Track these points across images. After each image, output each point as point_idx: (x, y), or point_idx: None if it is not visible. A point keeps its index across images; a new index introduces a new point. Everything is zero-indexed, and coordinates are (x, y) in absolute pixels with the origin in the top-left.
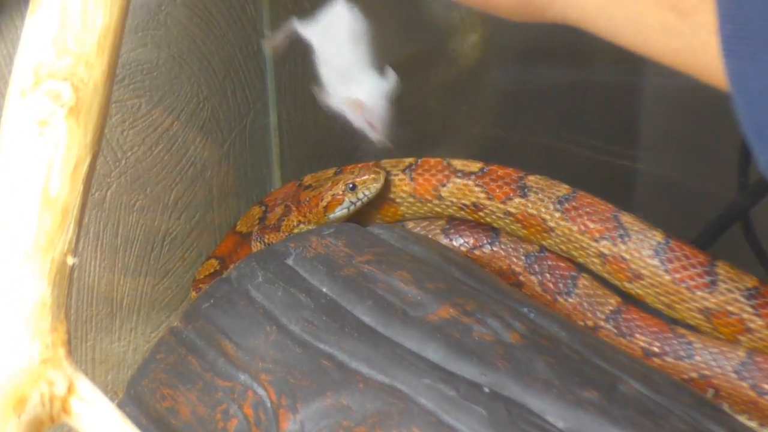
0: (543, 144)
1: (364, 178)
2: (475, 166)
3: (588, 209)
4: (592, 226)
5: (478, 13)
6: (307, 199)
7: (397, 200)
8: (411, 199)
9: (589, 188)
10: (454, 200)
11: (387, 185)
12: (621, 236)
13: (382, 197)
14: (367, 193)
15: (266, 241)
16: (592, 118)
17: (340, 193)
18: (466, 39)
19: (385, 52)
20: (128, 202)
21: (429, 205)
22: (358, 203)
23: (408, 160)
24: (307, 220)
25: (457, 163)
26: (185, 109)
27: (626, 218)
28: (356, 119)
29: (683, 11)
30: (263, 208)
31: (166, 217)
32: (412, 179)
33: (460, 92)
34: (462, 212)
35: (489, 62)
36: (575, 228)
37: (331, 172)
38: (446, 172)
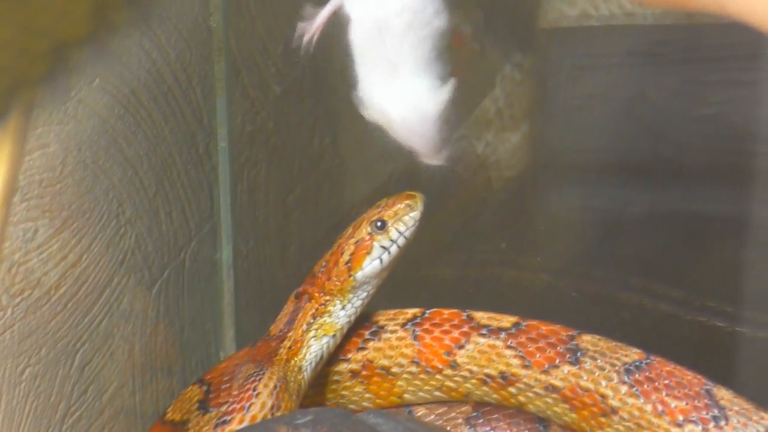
0: (605, 294)
1: (396, 208)
2: (506, 320)
3: (668, 381)
4: (673, 404)
5: (525, 102)
6: (323, 265)
7: (394, 370)
8: (413, 368)
9: (670, 354)
10: (475, 368)
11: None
12: (715, 419)
13: (374, 366)
14: (401, 229)
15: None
16: (677, 261)
17: (366, 236)
18: (504, 139)
19: None
20: (14, 370)
21: (438, 377)
22: (393, 248)
23: (412, 311)
24: (330, 296)
25: (482, 317)
26: (100, 237)
27: (722, 394)
28: (400, 134)
29: None
30: (204, 387)
31: (66, 391)
32: (416, 338)
33: (490, 219)
34: (484, 387)
35: (535, 177)
36: (649, 408)
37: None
38: (465, 329)
